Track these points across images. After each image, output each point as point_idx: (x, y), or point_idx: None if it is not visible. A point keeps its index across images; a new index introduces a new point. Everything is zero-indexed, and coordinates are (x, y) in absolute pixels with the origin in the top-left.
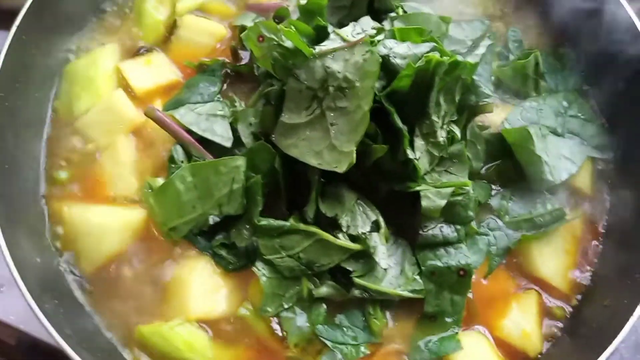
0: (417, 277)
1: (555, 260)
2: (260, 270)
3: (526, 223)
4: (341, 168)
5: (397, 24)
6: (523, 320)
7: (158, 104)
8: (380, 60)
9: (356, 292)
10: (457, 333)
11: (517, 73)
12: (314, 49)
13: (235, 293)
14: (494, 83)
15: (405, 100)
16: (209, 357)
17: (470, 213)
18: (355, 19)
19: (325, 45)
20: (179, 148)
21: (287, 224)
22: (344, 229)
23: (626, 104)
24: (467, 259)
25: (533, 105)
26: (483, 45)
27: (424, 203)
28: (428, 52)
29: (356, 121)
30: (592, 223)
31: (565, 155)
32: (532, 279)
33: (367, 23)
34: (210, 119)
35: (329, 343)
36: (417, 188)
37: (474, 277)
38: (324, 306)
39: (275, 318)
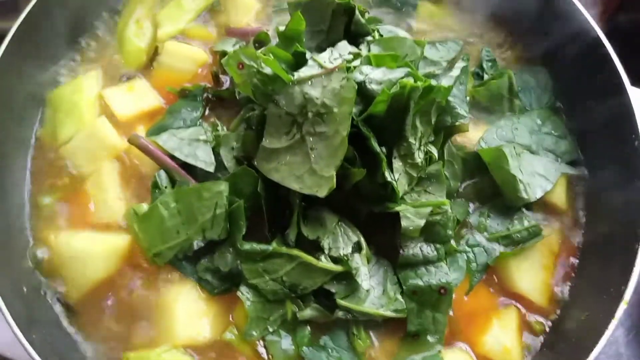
0: (399, 297)
1: (533, 275)
2: (244, 294)
3: (504, 239)
4: (322, 193)
5: (374, 48)
6: (503, 335)
7: (141, 130)
8: (356, 87)
9: (340, 314)
10: (440, 351)
11: (491, 93)
12: (293, 75)
13: (220, 318)
14: (470, 103)
15: (382, 124)
16: None
17: (449, 232)
18: (333, 43)
19: (304, 72)
20: (162, 173)
21: (270, 247)
22: (326, 251)
23: (597, 119)
24: (447, 277)
25: (508, 124)
26: (458, 66)
27: (404, 223)
28: (402, 77)
29: (335, 146)
30: (568, 238)
31: (540, 173)
32: (511, 294)
33: (344, 48)
34: (192, 144)
35: None
36: (397, 208)
37: (454, 294)
38: (308, 328)
39: (260, 341)
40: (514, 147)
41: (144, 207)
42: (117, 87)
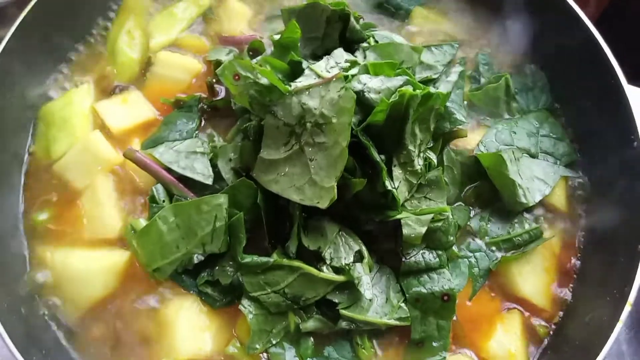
0: (403, 305)
1: (535, 278)
2: (246, 307)
3: (505, 243)
4: (323, 204)
5: (369, 55)
6: (508, 340)
7: (136, 143)
8: (355, 96)
9: (343, 324)
10: (444, 358)
11: (489, 97)
12: (290, 85)
13: (222, 331)
14: (467, 107)
15: (381, 133)
16: None
17: (451, 238)
18: (328, 50)
19: (301, 82)
20: (159, 187)
21: (271, 260)
22: (328, 261)
23: (596, 120)
24: (450, 283)
25: (506, 127)
26: (454, 71)
27: (405, 231)
28: (401, 85)
29: (335, 156)
30: (569, 240)
31: (539, 177)
32: (514, 298)
33: (340, 56)
34: (189, 156)
35: None
36: (398, 216)
37: (458, 300)
38: (312, 339)
39: (264, 354)
40: (513, 152)
41: (142, 222)
42: (110, 99)
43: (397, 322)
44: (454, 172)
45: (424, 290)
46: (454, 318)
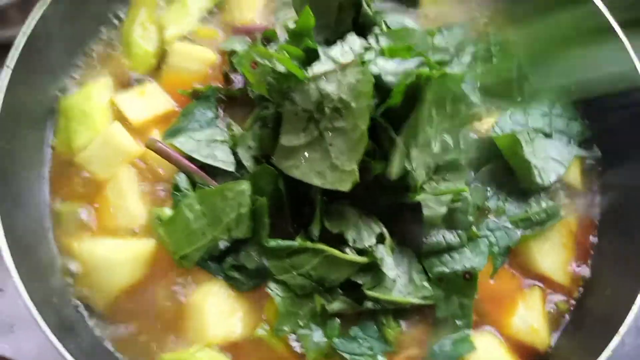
0: (426, 284)
1: (554, 255)
2: (273, 290)
3: (523, 222)
4: (345, 187)
5: (382, 40)
6: (530, 316)
7: (156, 134)
8: (373, 80)
9: (369, 304)
10: (469, 335)
11: (500, 77)
12: (307, 71)
13: (251, 314)
14: (480, 88)
15: (398, 116)
16: None
17: (470, 218)
18: (341, 36)
19: (318, 68)
20: (182, 176)
21: (295, 243)
22: (351, 244)
23: (610, 96)
24: (471, 262)
25: (520, 109)
26: (467, 53)
27: (426, 212)
28: (417, 66)
29: (355, 140)
30: (586, 217)
31: (553, 157)
32: (534, 275)
33: (354, 42)
34: (210, 145)
35: (346, 355)
36: (418, 198)
37: (479, 278)
38: (338, 320)
39: (292, 335)
40: (528, 133)
41: (167, 210)
42: (128, 92)
43: (422, 301)
44: (470, 154)
45: (446, 270)
46: (476, 296)
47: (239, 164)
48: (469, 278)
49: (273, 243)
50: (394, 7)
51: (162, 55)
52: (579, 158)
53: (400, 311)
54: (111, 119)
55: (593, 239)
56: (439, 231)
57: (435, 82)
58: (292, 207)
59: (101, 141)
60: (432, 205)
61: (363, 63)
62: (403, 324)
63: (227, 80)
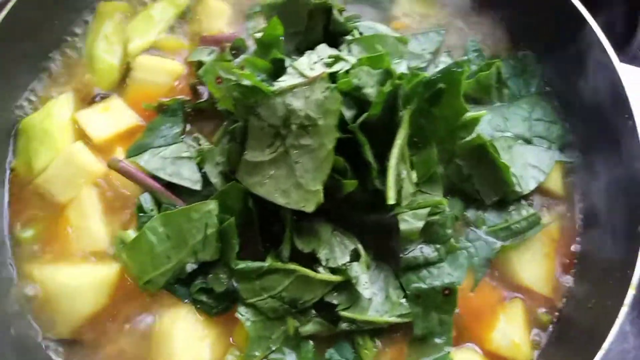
0: (403, 301)
1: (535, 266)
2: (243, 315)
3: (503, 232)
4: (309, 208)
5: (354, 48)
6: (511, 330)
7: (120, 152)
8: (341, 98)
9: (344, 325)
10: (449, 353)
11: (480, 84)
12: (273, 85)
13: (220, 340)
14: None
15: (376, 128)
16: None
17: (449, 231)
18: (312, 44)
19: (285, 81)
20: (147, 196)
21: (266, 264)
22: (324, 263)
23: (589, 101)
24: (450, 277)
25: (498, 113)
26: (443, 61)
27: (402, 226)
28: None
29: (321, 159)
30: (568, 225)
31: (532, 164)
32: (515, 287)
33: (323, 51)
34: (176, 162)
35: None
36: (393, 212)
37: (458, 291)
38: (312, 343)
39: None
40: (505, 140)
41: (130, 233)
42: (91, 108)
43: (399, 319)
44: (448, 163)
45: (424, 286)
46: (456, 311)
47: (206, 181)
48: (448, 294)
49: (242, 265)
50: (367, 11)
51: (126, 69)
52: (560, 163)
53: (377, 330)
54: (73, 138)
55: (576, 247)
56: (417, 245)
57: (409, 87)
58: (262, 225)
59: (62, 161)
60: (409, 219)
61: (332, 77)
62: (380, 343)
63: (194, 92)
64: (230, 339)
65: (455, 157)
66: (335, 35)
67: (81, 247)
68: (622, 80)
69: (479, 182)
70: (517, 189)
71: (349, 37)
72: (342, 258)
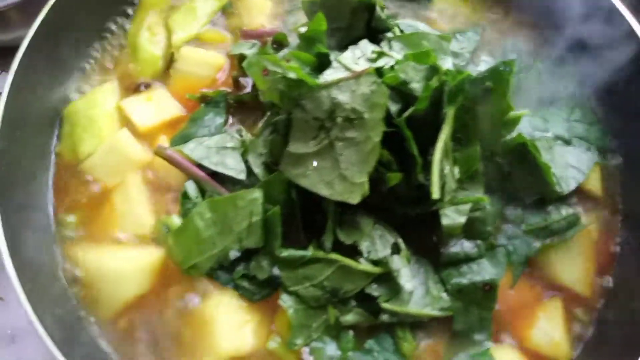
0: (444, 295)
1: (574, 266)
2: (285, 302)
3: (542, 231)
4: (354, 199)
5: (395, 45)
6: (550, 328)
7: (163, 140)
8: (388, 91)
9: (384, 317)
10: (488, 348)
11: (520, 85)
12: (318, 78)
13: (262, 326)
14: None
15: (420, 123)
16: None
17: (489, 227)
18: (354, 40)
19: (329, 75)
20: (191, 184)
21: (308, 253)
22: (365, 255)
23: (628, 103)
24: (490, 273)
25: (539, 114)
26: (484, 60)
27: (445, 222)
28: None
29: (366, 152)
30: (607, 226)
31: (572, 164)
32: (554, 286)
33: (365, 47)
34: (220, 152)
35: None
36: (436, 207)
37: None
38: (352, 333)
39: (305, 348)
40: (546, 140)
41: (175, 219)
42: (136, 97)
43: (440, 313)
44: (489, 161)
45: (464, 281)
46: (496, 308)
47: (249, 171)
48: (488, 290)
49: (286, 253)
50: (407, 8)
51: (169, 60)
52: (599, 164)
53: (417, 323)
54: (118, 125)
55: (615, 248)
56: (458, 241)
57: (455, 84)
58: (304, 215)
59: (107, 148)
60: (451, 214)
61: (379, 72)
62: (420, 336)
63: (236, 85)
64: (272, 325)
65: (496, 155)
66: (376, 32)
67: (125, 231)
68: None
69: (520, 180)
70: (558, 188)
71: (389, 35)
72: (383, 251)
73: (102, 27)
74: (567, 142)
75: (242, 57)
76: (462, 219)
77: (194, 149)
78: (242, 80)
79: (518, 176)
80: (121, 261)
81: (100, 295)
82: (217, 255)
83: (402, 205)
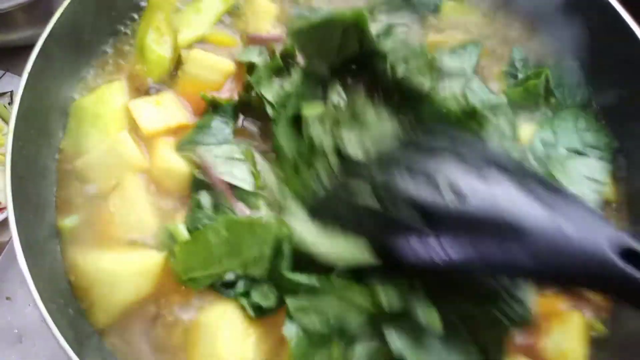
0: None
1: None
2: (289, 332)
3: None
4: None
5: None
6: (564, 339)
7: (166, 144)
8: None
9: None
10: None
11: (529, 93)
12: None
13: (264, 340)
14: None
15: None
16: None
17: None
18: (346, 59)
19: None
20: (205, 195)
21: (316, 283)
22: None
23: (632, 109)
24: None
25: (547, 127)
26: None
27: None
28: None
29: None
30: (621, 228)
31: (587, 176)
32: (569, 292)
33: None
34: (228, 162)
35: None
36: None
37: None
38: None
39: None
40: (556, 159)
41: (181, 228)
42: (144, 99)
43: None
44: None
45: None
46: None
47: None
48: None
49: (293, 277)
50: (407, 17)
51: (177, 61)
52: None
53: None
54: (125, 124)
55: None
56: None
57: None
58: None
59: (105, 149)
60: None
61: None
62: None
63: (246, 90)
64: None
65: None
66: (369, 54)
67: (124, 234)
68: None
69: None
70: None
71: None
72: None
73: (113, 29)
74: (581, 154)
75: (250, 66)
76: None
77: (202, 155)
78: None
79: None
80: (119, 264)
81: (96, 299)
82: (218, 274)
83: None
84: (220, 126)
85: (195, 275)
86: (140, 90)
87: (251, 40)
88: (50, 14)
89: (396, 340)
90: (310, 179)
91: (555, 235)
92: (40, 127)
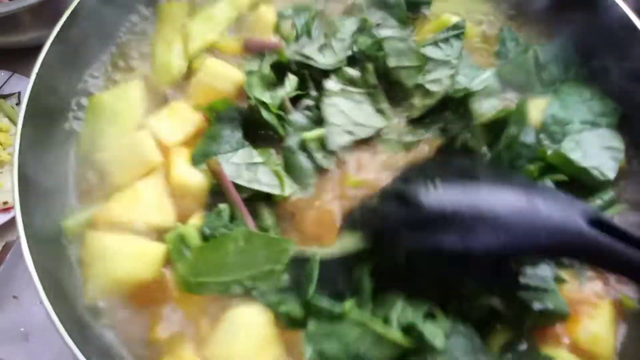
0: None
1: None
2: (307, 352)
3: None
4: None
5: None
6: (596, 326)
7: (185, 154)
8: None
9: None
10: None
11: (519, 69)
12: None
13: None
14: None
15: None
16: None
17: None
18: None
19: None
20: (226, 207)
21: (339, 309)
22: (394, 324)
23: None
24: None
25: (555, 104)
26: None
27: None
28: None
29: None
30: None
31: (605, 146)
32: (603, 283)
33: None
34: (250, 168)
35: None
36: None
37: None
38: None
39: None
40: (571, 138)
41: (192, 230)
42: (159, 114)
43: None
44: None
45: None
46: None
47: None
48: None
49: (317, 300)
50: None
51: (189, 69)
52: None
53: None
54: (141, 121)
55: None
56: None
57: None
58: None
59: (125, 145)
60: None
61: None
62: None
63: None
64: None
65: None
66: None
67: (132, 227)
68: None
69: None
70: (601, 178)
71: None
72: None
73: (121, 31)
74: (595, 124)
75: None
76: None
77: (221, 169)
78: None
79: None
80: (121, 244)
81: (96, 272)
82: (228, 284)
83: None
84: (230, 133)
85: (205, 279)
86: (157, 95)
87: (249, 47)
88: (58, 16)
89: None
90: None
91: (533, 213)
92: (48, 127)
